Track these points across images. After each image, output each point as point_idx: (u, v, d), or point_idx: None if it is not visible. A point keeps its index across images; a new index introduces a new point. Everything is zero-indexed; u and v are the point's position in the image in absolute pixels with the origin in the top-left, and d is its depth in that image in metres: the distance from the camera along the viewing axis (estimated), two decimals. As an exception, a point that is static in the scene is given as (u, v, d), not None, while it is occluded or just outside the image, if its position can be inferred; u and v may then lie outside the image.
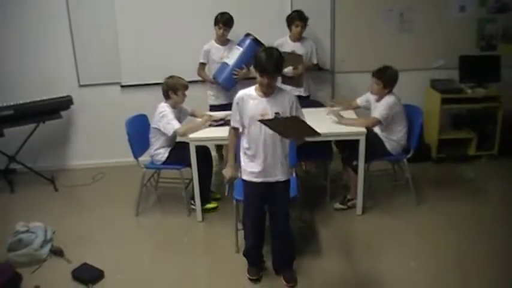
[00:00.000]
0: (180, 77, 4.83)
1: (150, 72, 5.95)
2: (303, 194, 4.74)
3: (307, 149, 3.97)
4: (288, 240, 3.75)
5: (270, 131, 3.33)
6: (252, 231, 3.74)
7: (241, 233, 3.97)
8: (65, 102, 5.82)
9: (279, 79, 5.48)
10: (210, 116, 4.92)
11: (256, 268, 3.85)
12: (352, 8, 5.91)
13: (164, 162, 4.86)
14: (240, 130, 3.52)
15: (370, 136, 4.55)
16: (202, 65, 5.55)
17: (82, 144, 6.37)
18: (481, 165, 5.88)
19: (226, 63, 5.29)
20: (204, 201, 4.82)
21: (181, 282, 3.89)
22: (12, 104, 5.47)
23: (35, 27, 5.87)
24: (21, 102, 5.53)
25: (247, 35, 5.28)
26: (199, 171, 4.66)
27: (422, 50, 6.01)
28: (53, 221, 4.71)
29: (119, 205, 5.24)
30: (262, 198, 3.58)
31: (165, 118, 4.68)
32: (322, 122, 4.69)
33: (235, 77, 5.28)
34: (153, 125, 4.80)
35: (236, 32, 5.44)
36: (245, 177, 3.60)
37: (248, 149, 3.51)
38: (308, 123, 3.20)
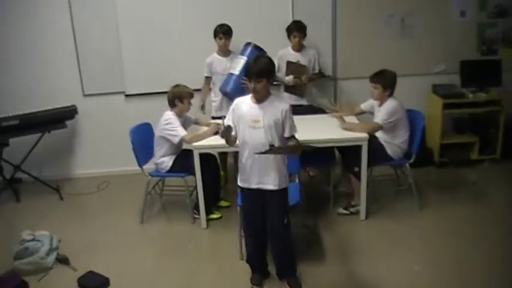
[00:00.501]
0: (185, 86, 4.86)
1: (153, 82, 6.01)
2: (306, 199, 4.77)
3: (310, 155, 3.98)
4: (286, 247, 3.72)
5: (262, 139, 3.39)
6: (251, 238, 3.76)
7: (245, 240, 3.98)
8: (70, 112, 5.87)
9: (282, 87, 5.55)
10: (217, 124, 4.94)
11: (259, 275, 3.86)
12: (354, 14, 5.94)
13: (169, 171, 4.89)
14: (233, 132, 3.53)
15: (371, 141, 4.56)
16: (207, 78, 5.58)
17: (87, 153, 6.42)
18: (484, 169, 5.89)
19: (232, 73, 5.30)
20: (207, 209, 4.83)
21: (185, 288, 3.93)
22: (17, 113, 5.52)
23: (39, 38, 5.93)
24: (26, 112, 5.57)
25: (248, 43, 5.31)
26: (203, 179, 4.69)
27: (423, 55, 6.03)
28: (58, 229, 4.74)
29: (123, 213, 5.27)
30: (259, 205, 3.59)
31: (170, 126, 4.70)
32: (325, 128, 4.75)
33: (243, 85, 5.30)
34: (157, 133, 4.83)
35: (238, 42, 5.47)
36: (241, 183, 3.64)
37: (242, 155, 3.55)
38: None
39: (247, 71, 3.38)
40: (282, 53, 5.49)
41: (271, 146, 3.34)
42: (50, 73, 6.06)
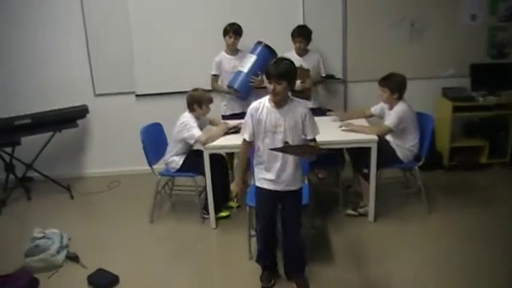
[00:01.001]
0: (204, 90, 4.89)
1: (164, 82, 6.07)
2: (316, 201, 4.78)
3: (319, 157, 4.01)
4: (298, 248, 3.75)
5: (283, 142, 3.40)
6: (263, 236, 3.76)
7: (254, 240, 4.00)
8: (81, 111, 5.92)
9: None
10: (227, 123, 4.97)
11: (268, 273, 3.86)
12: (364, 18, 5.96)
13: (178, 170, 4.92)
14: (252, 142, 3.57)
15: (381, 144, 4.56)
16: (215, 76, 5.61)
17: (97, 153, 6.48)
18: (493, 173, 5.88)
19: (241, 71, 5.34)
20: (216, 209, 4.86)
21: (194, 287, 3.95)
22: (29, 113, 5.57)
23: (51, 38, 6.01)
24: (38, 111, 5.63)
25: (259, 42, 5.35)
26: (213, 179, 4.71)
27: (433, 58, 6.04)
28: (68, 227, 4.78)
29: (133, 212, 5.30)
30: (273, 204, 3.62)
31: (186, 127, 4.71)
32: (334, 130, 4.75)
33: (251, 84, 5.34)
34: (174, 137, 4.85)
35: (247, 42, 5.51)
36: (257, 183, 3.65)
37: (260, 158, 3.55)
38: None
39: (266, 71, 3.35)
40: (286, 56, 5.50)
41: (286, 143, 3.36)
42: (62, 73, 6.12)
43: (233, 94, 5.48)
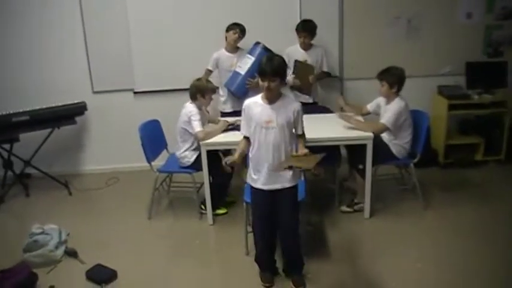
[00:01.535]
0: (208, 80, 4.93)
1: (162, 79, 6.10)
2: (311, 197, 4.82)
3: (315, 153, 4.02)
4: (297, 243, 3.77)
5: (275, 138, 3.44)
6: (261, 236, 3.77)
7: (251, 236, 4.02)
8: (79, 108, 5.94)
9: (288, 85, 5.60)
10: (226, 121, 5.00)
11: (269, 273, 3.88)
12: (361, 16, 5.99)
13: (190, 166, 4.91)
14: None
15: (376, 140, 4.60)
16: (209, 71, 5.61)
17: (96, 149, 6.50)
18: (489, 170, 5.92)
19: (238, 72, 5.38)
20: (215, 205, 4.91)
21: (192, 282, 3.98)
22: (27, 109, 5.60)
23: (49, 35, 6.02)
24: (36, 108, 5.65)
25: (257, 43, 5.38)
26: (217, 176, 4.77)
27: (429, 56, 6.07)
28: (67, 223, 4.81)
29: (131, 209, 5.33)
30: (269, 204, 3.62)
31: (192, 118, 4.71)
32: (331, 126, 4.79)
33: (248, 86, 5.37)
34: (180, 125, 4.84)
35: (245, 40, 5.54)
36: (252, 183, 3.66)
37: (255, 155, 3.57)
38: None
39: (260, 70, 3.37)
40: (290, 50, 5.56)
41: (290, 167, 3.36)
42: (60, 70, 6.14)
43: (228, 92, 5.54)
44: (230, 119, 5.06)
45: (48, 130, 5.82)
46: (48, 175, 6.00)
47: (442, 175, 5.88)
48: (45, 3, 5.91)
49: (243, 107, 3.59)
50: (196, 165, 4.85)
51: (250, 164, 3.64)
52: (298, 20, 5.63)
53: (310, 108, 5.31)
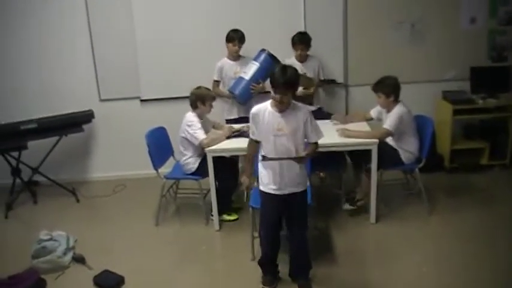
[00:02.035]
0: (208, 88, 4.96)
1: (168, 87, 6.15)
2: (317, 202, 4.82)
3: (320, 159, 4.05)
4: (305, 249, 3.78)
5: (286, 145, 3.45)
6: (268, 240, 3.78)
7: (257, 241, 4.03)
8: (87, 116, 5.99)
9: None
10: (231, 127, 5.04)
11: (271, 277, 3.89)
12: (364, 21, 6.01)
13: (194, 173, 4.94)
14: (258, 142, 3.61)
15: (383, 145, 4.62)
16: (217, 82, 5.68)
17: (103, 157, 6.55)
18: (494, 175, 5.91)
19: (243, 78, 5.41)
20: (223, 211, 4.95)
21: (199, 288, 4.01)
22: (35, 117, 5.66)
23: (57, 44, 6.09)
24: (44, 116, 5.71)
25: (263, 50, 5.41)
26: (225, 182, 4.81)
27: (433, 61, 6.08)
28: (74, 230, 4.84)
29: (139, 215, 5.36)
30: (278, 208, 3.63)
31: (191, 128, 4.77)
32: (334, 132, 4.79)
33: (252, 91, 5.41)
34: (181, 134, 4.89)
35: (249, 48, 5.59)
36: (262, 188, 3.66)
37: (265, 162, 3.55)
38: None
39: (273, 81, 3.34)
40: (287, 63, 5.57)
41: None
42: (68, 79, 6.21)
43: (229, 97, 5.59)
44: (236, 126, 5.09)
45: (56, 138, 5.86)
46: (56, 182, 6.04)
47: (447, 180, 5.88)
48: (53, 13, 5.98)
49: (252, 113, 3.57)
50: (201, 172, 4.88)
51: (261, 170, 3.64)
52: (303, 27, 5.67)
53: (315, 114, 5.31)
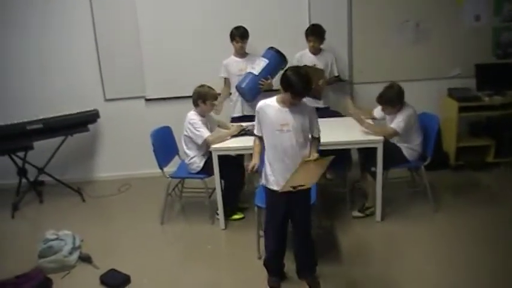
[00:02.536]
0: (210, 87, 4.94)
1: (173, 87, 6.15)
2: (323, 201, 4.83)
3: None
4: (310, 246, 3.79)
5: (290, 141, 3.45)
6: (274, 238, 3.77)
7: (262, 240, 4.00)
8: (92, 116, 6.01)
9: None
10: (239, 126, 5.04)
11: (276, 277, 3.89)
12: (369, 19, 6.00)
13: (199, 172, 4.94)
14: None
15: (388, 144, 4.61)
16: (225, 78, 5.70)
17: (108, 156, 6.57)
18: (500, 172, 5.88)
19: (251, 73, 5.39)
20: (229, 210, 4.96)
21: (204, 287, 4.01)
22: (41, 118, 5.67)
23: (62, 44, 6.12)
24: (50, 116, 5.72)
25: (271, 48, 5.41)
26: (232, 181, 4.82)
27: (438, 59, 6.06)
28: (80, 229, 4.86)
29: (144, 214, 5.38)
30: (284, 206, 3.61)
31: (194, 127, 4.78)
32: (342, 131, 4.81)
33: (260, 86, 5.40)
34: (184, 133, 4.90)
35: (255, 45, 5.60)
36: (267, 185, 3.65)
37: (270, 158, 3.56)
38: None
39: (297, 91, 3.33)
40: (300, 55, 5.60)
41: (293, 188, 3.39)
42: (73, 79, 6.23)
43: (239, 92, 5.57)
44: (244, 124, 5.10)
45: (62, 138, 5.88)
46: (62, 182, 6.06)
47: (453, 178, 5.86)
48: (59, 14, 6.00)
49: (257, 108, 3.58)
50: (206, 170, 4.88)
51: (266, 167, 3.63)
52: (308, 25, 5.66)
53: (321, 112, 5.30)
